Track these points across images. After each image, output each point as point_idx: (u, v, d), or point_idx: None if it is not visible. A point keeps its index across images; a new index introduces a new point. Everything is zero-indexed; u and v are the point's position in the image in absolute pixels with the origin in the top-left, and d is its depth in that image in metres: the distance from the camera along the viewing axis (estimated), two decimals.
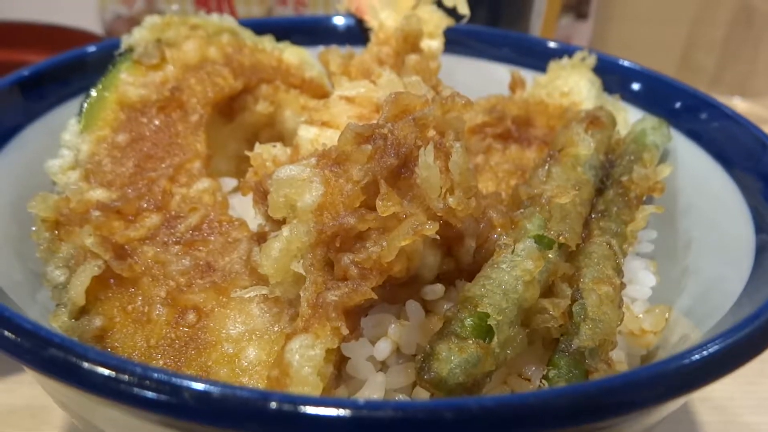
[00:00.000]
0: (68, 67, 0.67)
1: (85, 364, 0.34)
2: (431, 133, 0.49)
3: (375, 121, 0.50)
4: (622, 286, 0.53)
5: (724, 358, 0.38)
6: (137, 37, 0.63)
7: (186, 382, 0.32)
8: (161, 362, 0.48)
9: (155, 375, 0.32)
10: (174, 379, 0.33)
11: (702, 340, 0.40)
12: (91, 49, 0.69)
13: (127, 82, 0.60)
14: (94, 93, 0.59)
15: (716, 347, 0.38)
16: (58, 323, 0.49)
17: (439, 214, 0.46)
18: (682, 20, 1.27)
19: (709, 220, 0.60)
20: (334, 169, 0.47)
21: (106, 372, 0.33)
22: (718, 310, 0.49)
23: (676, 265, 0.62)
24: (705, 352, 0.37)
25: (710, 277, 0.57)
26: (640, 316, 0.56)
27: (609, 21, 1.24)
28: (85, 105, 0.59)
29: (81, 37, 0.82)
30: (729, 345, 0.38)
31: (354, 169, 0.46)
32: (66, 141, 0.57)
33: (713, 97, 0.67)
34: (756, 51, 1.28)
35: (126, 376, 0.33)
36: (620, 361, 0.54)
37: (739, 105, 1.34)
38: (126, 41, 0.63)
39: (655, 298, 0.59)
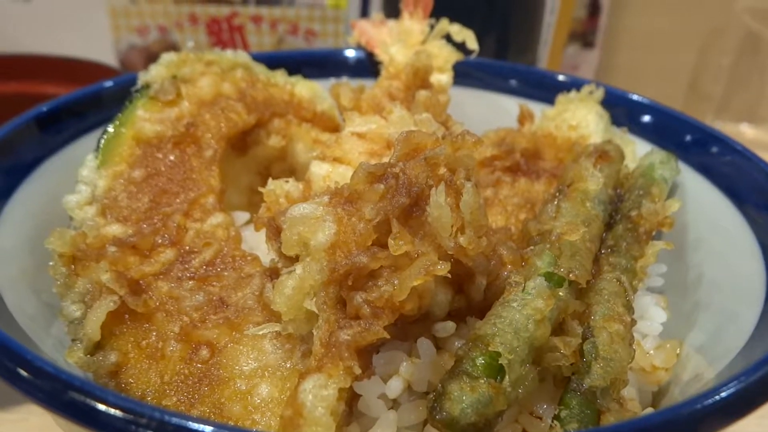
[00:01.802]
0: (85, 102, 0.68)
1: (103, 408, 0.35)
2: (442, 170, 0.50)
3: (386, 159, 0.50)
4: (633, 322, 0.53)
5: (737, 402, 0.38)
6: (154, 73, 0.64)
7: (202, 427, 0.33)
8: (174, 399, 0.48)
9: (173, 420, 0.33)
10: (191, 424, 0.33)
11: (715, 383, 0.40)
12: (108, 84, 0.71)
13: (143, 119, 0.61)
14: (111, 129, 0.61)
15: (730, 391, 0.38)
16: (73, 359, 0.49)
17: (450, 253, 0.47)
18: (690, 48, 1.28)
19: (719, 255, 0.61)
20: (346, 208, 0.48)
21: (124, 416, 0.34)
22: (730, 348, 0.49)
23: (687, 301, 0.62)
24: (718, 397, 0.37)
25: (721, 313, 0.57)
26: (651, 352, 0.56)
27: (616, 49, 1.26)
28: (102, 141, 0.60)
29: (97, 69, 0.83)
30: (743, 389, 0.38)
31: (366, 207, 0.47)
32: (83, 177, 0.59)
33: (721, 123, 0.67)
34: (762, 78, 1.29)
35: (144, 420, 0.33)
36: (632, 398, 0.54)
37: (746, 132, 1.34)
38: (143, 78, 0.64)
39: (665, 334, 0.59)
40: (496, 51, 1.07)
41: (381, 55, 0.77)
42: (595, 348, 0.48)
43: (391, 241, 0.46)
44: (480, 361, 0.45)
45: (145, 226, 0.56)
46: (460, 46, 0.78)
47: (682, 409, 0.36)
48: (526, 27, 1.03)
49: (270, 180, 0.57)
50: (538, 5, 1.03)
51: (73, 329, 0.52)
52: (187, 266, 0.55)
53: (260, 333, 0.51)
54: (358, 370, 0.43)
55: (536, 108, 0.78)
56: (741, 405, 0.38)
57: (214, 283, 0.54)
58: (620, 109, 0.75)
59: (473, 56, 0.78)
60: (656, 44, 1.29)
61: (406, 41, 0.74)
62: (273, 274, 0.55)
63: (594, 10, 1.23)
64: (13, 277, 0.54)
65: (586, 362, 0.48)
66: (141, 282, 0.53)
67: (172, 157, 0.60)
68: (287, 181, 0.58)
